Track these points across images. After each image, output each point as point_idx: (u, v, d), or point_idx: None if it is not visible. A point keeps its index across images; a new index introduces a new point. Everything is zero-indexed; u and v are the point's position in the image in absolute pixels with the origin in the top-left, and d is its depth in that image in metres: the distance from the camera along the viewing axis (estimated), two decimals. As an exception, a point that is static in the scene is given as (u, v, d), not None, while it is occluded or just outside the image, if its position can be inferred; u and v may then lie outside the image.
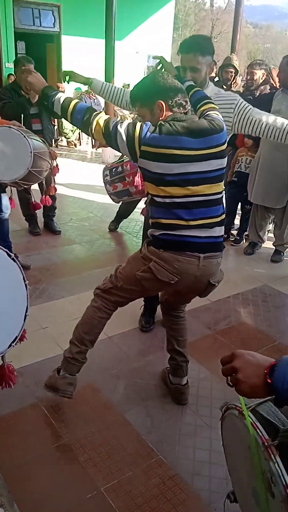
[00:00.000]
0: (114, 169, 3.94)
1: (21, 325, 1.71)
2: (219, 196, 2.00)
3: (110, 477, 1.93)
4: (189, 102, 2.01)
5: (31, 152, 2.97)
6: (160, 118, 1.94)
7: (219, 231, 2.02)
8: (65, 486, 1.89)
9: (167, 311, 2.43)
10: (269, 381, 0.88)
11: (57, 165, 3.42)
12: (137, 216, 5.06)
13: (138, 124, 1.87)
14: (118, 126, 1.89)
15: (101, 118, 1.94)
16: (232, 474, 1.23)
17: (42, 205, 3.87)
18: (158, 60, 2.50)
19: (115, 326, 3.03)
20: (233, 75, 4.74)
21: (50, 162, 3.27)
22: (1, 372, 1.80)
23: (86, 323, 2.26)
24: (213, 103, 2.15)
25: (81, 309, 3.22)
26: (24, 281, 1.72)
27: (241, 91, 4.74)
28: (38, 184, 3.96)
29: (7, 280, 1.68)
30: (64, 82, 2.77)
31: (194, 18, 32.48)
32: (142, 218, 5.16)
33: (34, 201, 3.86)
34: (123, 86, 11.14)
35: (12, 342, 1.68)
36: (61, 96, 2.05)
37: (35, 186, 3.76)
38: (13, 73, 10.36)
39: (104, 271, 3.89)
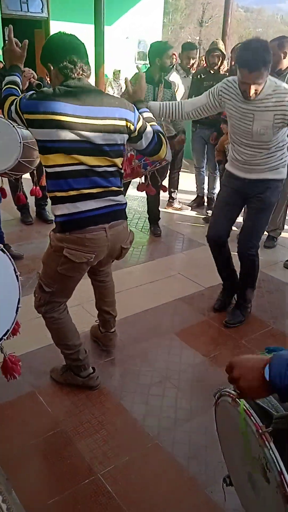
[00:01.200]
0: None
1: (13, 317, 1.70)
2: (112, 169, 1.99)
3: (107, 462, 1.95)
4: (85, 68, 1.95)
5: (20, 142, 2.94)
6: (55, 83, 1.95)
7: (115, 200, 2.04)
8: (63, 472, 1.91)
9: (92, 277, 2.52)
10: (267, 379, 0.90)
11: None
12: (130, 204, 5.03)
13: (22, 95, 1.92)
14: (12, 104, 1.93)
15: (11, 99, 1.97)
16: (227, 458, 1.25)
17: (26, 197, 3.87)
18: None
19: (110, 314, 3.04)
20: (220, 59, 4.71)
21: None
22: (4, 365, 1.80)
23: (61, 336, 2.29)
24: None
25: (74, 297, 3.21)
26: (15, 272, 1.70)
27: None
28: (30, 173, 3.93)
29: None
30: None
31: (185, 2, 32.04)
32: (134, 205, 5.18)
33: (20, 193, 3.82)
34: (113, 73, 11.05)
35: (4, 335, 1.67)
36: (6, 79, 2.18)
37: (27, 176, 3.73)
38: (1, 61, 10.21)
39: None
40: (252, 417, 0.97)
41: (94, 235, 1.98)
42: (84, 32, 11.48)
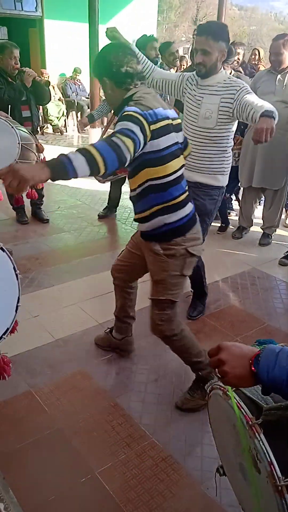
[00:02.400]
0: None
1: (13, 316, 1.70)
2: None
3: (104, 460, 1.96)
4: (139, 70, 1.91)
5: (19, 143, 2.95)
6: (117, 95, 1.93)
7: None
8: (60, 471, 1.92)
9: (123, 285, 2.50)
10: (253, 370, 0.91)
11: (44, 158, 3.40)
12: (126, 202, 5.04)
13: (130, 112, 1.73)
14: (133, 130, 1.66)
15: (123, 139, 1.61)
16: (220, 450, 1.26)
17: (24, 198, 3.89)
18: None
19: (106, 313, 3.05)
20: None
21: (37, 154, 3.25)
22: None
23: (191, 348, 2.22)
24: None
25: (71, 296, 3.26)
26: (15, 271, 1.70)
27: None
28: None
29: None
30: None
31: (179, 0, 32.01)
32: (131, 204, 5.17)
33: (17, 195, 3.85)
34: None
35: (3, 334, 1.67)
36: (74, 156, 1.47)
37: None
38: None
39: (93, 259, 3.90)
40: (242, 409, 0.98)
41: (199, 229, 2.10)
42: (78, 31, 11.49)
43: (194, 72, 2.64)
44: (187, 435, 2.13)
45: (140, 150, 1.73)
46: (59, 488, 1.84)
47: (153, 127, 1.78)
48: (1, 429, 2.11)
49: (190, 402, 2.27)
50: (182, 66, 5.48)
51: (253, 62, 5.33)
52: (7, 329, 1.69)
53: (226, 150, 2.69)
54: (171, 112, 1.93)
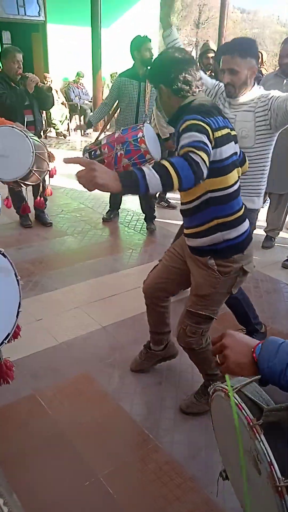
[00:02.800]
0: (93, 152, 3.93)
1: (14, 321, 1.71)
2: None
3: (107, 464, 1.96)
4: (197, 77, 1.83)
5: (33, 152, 3.02)
6: (172, 104, 1.86)
7: None
8: (63, 474, 1.92)
9: (157, 302, 2.35)
10: (255, 358, 0.93)
11: (54, 167, 3.45)
12: (128, 206, 5.06)
13: (193, 121, 1.64)
14: (202, 140, 1.56)
15: (198, 153, 1.50)
16: (222, 453, 1.27)
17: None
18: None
19: (109, 317, 3.06)
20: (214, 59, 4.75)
21: (48, 164, 3.30)
22: None
23: (211, 361, 2.18)
24: None
25: (74, 300, 3.26)
26: (16, 276, 1.71)
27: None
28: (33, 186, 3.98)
29: None
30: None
31: (181, 4, 32.09)
32: (132, 207, 5.19)
33: (25, 203, 3.89)
34: (111, 75, 11.07)
35: (4, 339, 1.68)
36: (149, 171, 1.40)
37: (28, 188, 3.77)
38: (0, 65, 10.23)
39: (97, 262, 3.91)
40: (243, 411, 0.99)
41: (252, 245, 2.03)
42: (81, 35, 11.53)
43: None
44: (190, 438, 2.12)
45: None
46: (62, 491, 1.84)
47: (216, 134, 1.70)
48: (5, 432, 2.11)
49: (195, 406, 2.27)
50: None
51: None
52: (8, 334, 1.69)
53: (264, 170, 2.56)
54: (228, 122, 1.87)
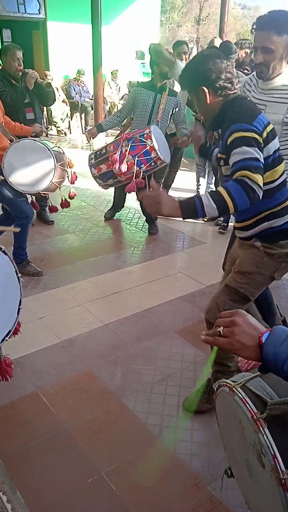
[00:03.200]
0: (98, 152, 3.94)
1: (15, 318, 1.71)
2: None
3: (110, 461, 1.96)
4: (237, 78, 1.85)
5: (55, 165, 3.08)
6: (209, 104, 1.84)
7: None
8: (66, 471, 1.92)
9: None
10: (261, 342, 0.93)
11: (74, 172, 3.48)
12: (130, 203, 5.05)
13: (239, 133, 1.67)
14: (254, 155, 1.62)
15: (249, 175, 1.58)
16: (227, 449, 1.26)
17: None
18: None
19: (111, 314, 3.06)
20: None
21: (68, 172, 3.35)
22: None
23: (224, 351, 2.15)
24: None
25: (76, 298, 3.26)
26: (17, 274, 1.72)
27: None
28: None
29: None
30: None
31: (182, 0, 32.00)
32: (135, 204, 5.18)
33: (32, 201, 3.89)
34: (111, 73, 11.05)
35: (5, 336, 1.68)
36: (205, 202, 1.57)
37: None
38: (0, 63, 10.21)
39: (99, 260, 3.91)
40: (247, 404, 0.99)
41: None
42: (81, 32, 11.50)
43: (254, 73, 2.37)
44: (193, 435, 2.12)
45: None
46: (66, 488, 1.84)
47: (263, 136, 1.73)
48: (8, 430, 2.11)
49: (196, 404, 2.26)
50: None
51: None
52: (9, 331, 1.70)
53: None
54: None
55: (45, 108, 4.76)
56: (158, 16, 14.84)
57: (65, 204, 3.77)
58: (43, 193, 3.26)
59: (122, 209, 5.01)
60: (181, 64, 3.14)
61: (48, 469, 1.93)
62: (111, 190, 4.93)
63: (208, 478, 1.90)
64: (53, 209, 3.87)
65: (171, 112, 4.17)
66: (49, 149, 3.08)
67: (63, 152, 3.41)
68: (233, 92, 1.84)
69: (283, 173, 1.87)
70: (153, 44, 3.65)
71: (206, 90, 1.82)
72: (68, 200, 3.72)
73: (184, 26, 30.93)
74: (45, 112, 8.36)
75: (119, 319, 3.03)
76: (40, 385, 2.39)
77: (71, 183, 3.57)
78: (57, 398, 2.31)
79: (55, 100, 4.61)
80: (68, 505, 1.78)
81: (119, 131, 4.75)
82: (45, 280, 3.52)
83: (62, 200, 3.69)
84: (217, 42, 4.79)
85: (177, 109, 4.17)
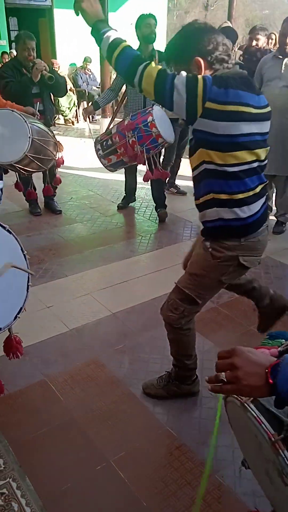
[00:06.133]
0: (104, 143, 3.90)
1: (25, 295, 1.73)
2: (266, 161, 1.81)
3: (118, 449, 1.98)
4: (232, 56, 1.72)
5: (29, 137, 2.98)
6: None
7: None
8: (75, 459, 1.94)
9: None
10: (271, 381, 0.85)
11: (62, 156, 3.43)
12: (138, 192, 5.02)
13: (199, 77, 1.56)
14: (175, 79, 1.57)
15: (153, 67, 1.61)
16: (242, 448, 1.22)
17: (35, 194, 3.97)
18: None
19: (119, 303, 3.06)
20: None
21: (54, 153, 3.27)
22: (9, 343, 1.83)
23: (185, 348, 2.15)
24: None
25: (84, 287, 3.27)
26: (23, 251, 1.73)
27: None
28: (42, 173, 3.97)
29: (5, 253, 1.69)
30: None
31: (190, -14, 31.51)
32: (144, 194, 5.16)
33: (31, 189, 3.88)
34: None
35: (17, 313, 1.70)
36: (112, 35, 1.68)
37: (39, 174, 3.76)
38: (6, 51, 10.15)
39: (106, 249, 3.91)
40: (262, 425, 0.93)
41: (264, 236, 1.88)
42: (88, 20, 11.10)
43: None
44: (201, 424, 2.13)
45: (168, 103, 1.63)
46: (74, 476, 1.86)
47: (209, 105, 1.57)
48: (17, 418, 2.13)
49: (153, 389, 2.27)
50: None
51: (269, 47, 5.25)
52: (21, 308, 1.71)
53: None
54: (259, 100, 1.71)
55: (52, 97, 4.71)
56: (166, 2, 14.63)
57: (46, 190, 3.75)
58: (20, 168, 3.16)
59: (134, 197, 4.98)
60: None
61: (57, 457, 1.95)
62: (119, 177, 4.91)
63: (215, 466, 1.91)
64: (31, 195, 3.88)
65: None
66: (25, 120, 2.97)
67: (52, 134, 3.34)
68: (227, 66, 1.69)
69: (245, 163, 1.68)
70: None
71: (202, 62, 1.66)
72: (53, 186, 3.70)
73: (192, 12, 30.47)
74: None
75: (126, 308, 3.03)
76: (48, 374, 2.41)
77: (57, 167, 3.54)
78: (65, 386, 2.33)
79: (67, 91, 4.50)
80: (76, 492, 1.79)
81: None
82: (53, 269, 3.53)
83: (46, 185, 3.68)
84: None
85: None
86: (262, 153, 1.73)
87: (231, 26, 4.91)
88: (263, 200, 1.83)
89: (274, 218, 4.40)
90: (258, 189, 1.78)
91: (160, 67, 1.62)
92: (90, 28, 1.73)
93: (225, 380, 0.90)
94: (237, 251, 1.83)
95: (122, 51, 1.66)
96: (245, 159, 1.67)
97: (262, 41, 4.42)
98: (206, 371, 2.45)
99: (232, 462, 1.90)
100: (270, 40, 5.43)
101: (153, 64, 1.63)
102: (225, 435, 2.00)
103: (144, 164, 3.67)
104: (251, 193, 1.75)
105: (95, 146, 3.95)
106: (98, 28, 1.71)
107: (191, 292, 1.95)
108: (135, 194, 4.96)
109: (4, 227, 1.69)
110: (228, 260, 1.84)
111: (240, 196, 1.73)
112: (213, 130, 1.59)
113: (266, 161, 1.79)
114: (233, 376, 0.88)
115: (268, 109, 1.74)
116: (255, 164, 1.72)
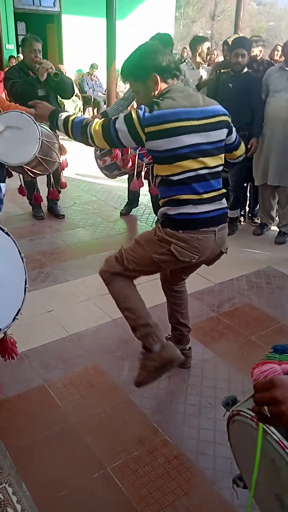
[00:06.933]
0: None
1: (22, 297, 1.74)
2: (220, 168, 2.01)
3: (116, 457, 1.96)
4: (182, 71, 2.01)
5: (39, 138, 3.01)
6: (156, 92, 1.92)
7: (224, 202, 2.06)
8: (72, 466, 1.92)
9: (169, 288, 2.47)
10: None
11: (66, 159, 3.44)
12: (140, 199, 5.03)
13: (133, 111, 1.84)
14: (116, 123, 1.86)
15: (97, 124, 1.91)
16: (243, 470, 1.17)
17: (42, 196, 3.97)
18: None
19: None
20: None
21: (58, 155, 3.29)
22: (4, 345, 1.83)
23: (123, 298, 2.17)
24: None
25: (85, 292, 3.26)
26: (20, 254, 1.74)
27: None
28: (47, 176, 3.98)
29: (3, 255, 1.70)
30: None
31: (197, -5, 31.77)
32: (147, 201, 5.17)
33: (37, 193, 3.88)
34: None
35: (16, 315, 1.70)
36: (62, 115, 2.04)
37: (42, 178, 3.76)
38: (14, 55, 10.22)
39: (108, 255, 3.90)
40: (287, 450, 0.88)
41: (205, 237, 2.00)
42: (96, 26, 11.50)
43: None
44: (200, 433, 2.11)
45: (119, 144, 1.93)
46: (71, 483, 1.84)
47: (148, 129, 1.84)
48: (15, 423, 2.12)
49: (138, 377, 2.12)
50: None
51: (275, 58, 5.27)
52: (19, 309, 1.72)
53: None
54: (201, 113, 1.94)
55: (58, 103, 4.73)
56: (173, 11, 14.76)
57: (52, 194, 3.75)
58: (28, 170, 3.17)
59: (138, 204, 4.98)
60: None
61: (54, 463, 1.93)
62: (123, 185, 4.92)
63: (213, 477, 1.89)
64: (38, 199, 3.88)
65: None
66: (35, 122, 3.01)
67: (57, 135, 3.36)
68: (178, 81, 1.96)
69: (186, 172, 1.88)
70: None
71: (158, 78, 1.89)
72: (58, 189, 3.70)
73: (199, 22, 30.74)
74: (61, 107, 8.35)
75: (127, 314, 3.02)
76: (47, 379, 2.40)
77: (61, 170, 3.55)
78: (64, 391, 2.31)
79: (73, 92, 4.48)
80: (72, 499, 1.78)
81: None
82: (55, 273, 3.53)
83: (51, 188, 3.68)
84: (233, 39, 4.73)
85: None
86: (210, 161, 1.93)
87: (245, 36, 4.93)
88: (214, 206, 1.99)
89: (276, 228, 4.41)
90: (206, 195, 1.95)
91: (101, 121, 1.92)
92: (49, 121, 2.12)
93: (268, 414, 0.82)
94: (173, 239, 1.97)
95: (72, 124, 1.98)
96: (190, 167, 1.88)
97: (256, 52, 4.46)
98: (206, 381, 2.45)
99: (230, 474, 1.89)
100: (276, 52, 5.45)
101: (94, 122, 1.92)
102: (223, 447, 1.99)
103: (134, 170, 3.68)
104: (196, 196, 1.93)
105: (95, 153, 3.97)
106: (51, 119, 2.08)
107: (124, 253, 2.10)
108: (138, 200, 4.97)
109: (3, 230, 1.70)
110: (163, 242, 1.99)
111: (185, 197, 1.93)
112: (158, 148, 1.84)
113: (219, 168, 1.99)
114: (278, 411, 0.81)
115: (220, 118, 1.95)
116: (203, 171, 1.91)
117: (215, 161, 1.96)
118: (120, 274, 2.13)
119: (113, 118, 1.89)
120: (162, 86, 1.91)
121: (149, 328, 2.10)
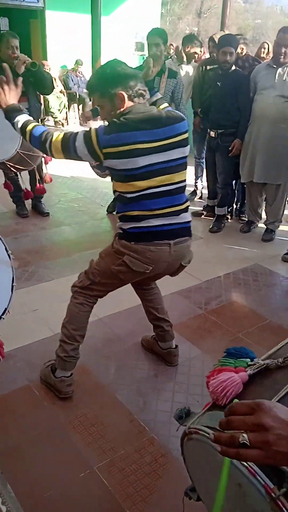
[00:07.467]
0: None
1: (9, 296, 1.72)
2: (183, 184, 2.03)
3: (103, 456, 1.95)
4: (148, 92, 2.00)
5: (20, 137, 2.94)
6: (121, 109, 1.91)
7: (186, 217, 2.08)
8: (58, 466, 1.90)
9: (138, 287, 2.49)
10: None
11: (47, 174, 3.41)
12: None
13: (93, 130, 1.86)
14: (76, 142, 1.89)
15: (56, 139, 1.93)
16: (200, 487, 1.09)
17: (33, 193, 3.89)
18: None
19: (106, 308, 3.03)
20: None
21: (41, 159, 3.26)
22: None
23: (73, 320, 2.24)
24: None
25: (70, 290, 3.23)
26: (7, 251, 1.72)
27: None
28: (29, 172, 3.93)
29: None
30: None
31: (183, -8, 31.73)
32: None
33: (26, 189, 3.82)
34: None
35: (2, 314, 1.68)
36: (20, 120, 2.02)
37: (25, 174, 3.71)
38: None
39: (94, 253, 3.85)
40: (258, 477, 0.79)
41: (158, 249, 2.02)
42: (80, 22, 11.42)
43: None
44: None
45: (78, 158, 1.97)
46: (57, 483, 1.82)
47: (106, 150, 1.88)
48: (0, 423, 2.09)
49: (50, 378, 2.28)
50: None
51: (262, 56, 5.29)
52: (5, 309, 1.69)
53: None
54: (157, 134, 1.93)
55: (42, 98, 4.64)
56: (159, 8, 14.71)
57: (39, 190, 3.71)
58: (11, 166, 3.12)
59: None
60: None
61: (40, 463, 1.91)
62: (109, 182, 4.88)
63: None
64: (28, 195, 3.83)
65: (170, 95, 4.06)
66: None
67: None
68: (143, 101, 1.94)
69: (140, 191, 1.91)
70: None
71: (125, 95, 1.88)
72: (42, 184, 3.65)
73: (185, 18, 30.71)
74: (42, 103, 8.26)
75: (113, 313, 3.01)
76: (33, 379, 2.37)
77: (45, 163, 3.52)
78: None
79: (53, 87, 4.42)
80: (60, 499, 1.76)
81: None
82: (39, 272, 3.49)
83: (38, 184, 3.63)
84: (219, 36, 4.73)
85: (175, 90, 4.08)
86: (169, 178, 1.95)
87: (231, 34, 4.93)
88: (169, 221, 2.01)
89: (263, 226, 4.43)
90: (158, 212, 1.97)
91: (61, 137, 1.92)
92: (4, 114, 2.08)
93: (247, 443, 0.69)
94: (127, 250, 2.02)
95: (30, 135, 1.98)
96: (144, 186, 1.90)
97: (239, 49, 4.51)
98: (193, 378, 2.44)
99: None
100: (262, 49, 5.46)
101: (54, 135, 1.93)
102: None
103: None
104: (147, 212, 1.96)
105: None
106: (9, 117, 2.05)
107: (92, 266, 2.18)
108: None
109: None
110: (118, 253, 2.06)
111: (136, 213, 1.97)
112: (114, 166, 1.88)
113: (181, 184, 2.02)
114: (261, 440, 0.68)
115: (182, 137, 1.96)
116: (159, 189, 1.94)
117: (177, 178, 1.98)
118: (89, 289, 2.20)
119: (72, 134, 1.91)
120: (128, 104, 1.91)
121: (71, 355, 2.23)
